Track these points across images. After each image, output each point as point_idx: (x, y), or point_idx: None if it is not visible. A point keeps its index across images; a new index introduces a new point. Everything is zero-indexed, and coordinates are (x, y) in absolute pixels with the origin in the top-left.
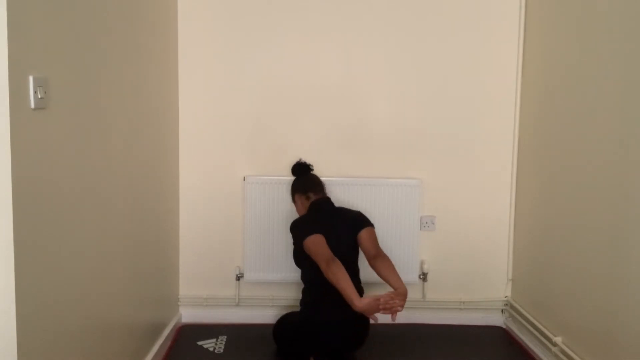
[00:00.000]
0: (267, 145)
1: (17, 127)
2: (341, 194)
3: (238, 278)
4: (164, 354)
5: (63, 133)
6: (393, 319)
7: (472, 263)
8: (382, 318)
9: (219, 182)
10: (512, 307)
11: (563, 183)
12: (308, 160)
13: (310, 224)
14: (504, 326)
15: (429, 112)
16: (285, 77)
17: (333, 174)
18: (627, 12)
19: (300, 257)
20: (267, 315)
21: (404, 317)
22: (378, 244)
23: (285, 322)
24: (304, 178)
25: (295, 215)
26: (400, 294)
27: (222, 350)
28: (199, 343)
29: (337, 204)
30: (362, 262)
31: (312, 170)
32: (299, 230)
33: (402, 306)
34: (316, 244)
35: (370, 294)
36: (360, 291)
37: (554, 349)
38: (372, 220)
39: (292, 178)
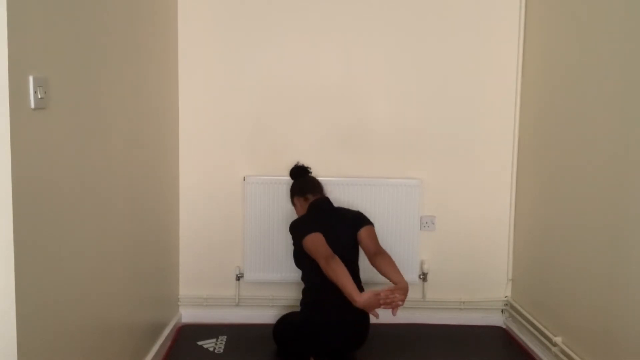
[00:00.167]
0: (267, 145)
1: (17, 127)
2: (341, 194)
3: (238, 278)
4: (164, 354)
5: (63, 133)
6: (394, 313)
7: (472, 263)
8: (383, 317)
9: (219, 182)
10: (512, 307)
11: (563, 183)
12: (308, 160)
13: (309, 223)
14: (504, 326)
15: (429, 112)
16: (285, 77)
17: (333, 174)
18: (627, 12)
19: (300, 257)
20: (267, 315)
21: (404, 317)
22: (378, 242)
23: (285, 322)
24: (302, 180)
25: (295, 216)
26: (400, 289)
27: (222, 350)
28: (199, 343)
29: (337, 204)
30: (362, 263)
31: (310, 172)
32: (298, 229)
33: (403, 300)
34: (315, 242)
35: None
36: (361, 291)
37: (554, 349)
38: (372, 220)
39: None
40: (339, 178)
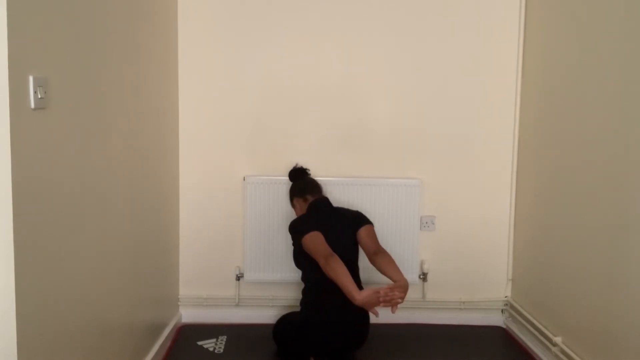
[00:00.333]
0: (267, 145)
1: (17, 127)
2: (341, 194)
3: (238, 278)
4: (164, 354)
5: (63, 133)
6: (393, 311)
7: (472, 263)
8: (383, 317)
9: (219, 182)
10: (512, 307)
11: (563, 183)
12: (308, 160)
13: (309, 223)
14: (504, 326)
15: (429, 112)
16: (285, 77)
17: (333, 174)
18: (627, 12)
19: (300, 257)
20: (267, 315)
21: (404, 317)
22: (377, 241)
23: (285, 322)
24: (301, 181)
25: (294, 217)
26: (400, 287)
27: (222, 350)
28: (199, 343)
29: (337, 204)
30: (362, 262)
31: (309, 173)
32: (297, 229)
33: (403, 298)
34: (315, 241)
35: None
36: (360, 290)
37: (554, 349)
38: (372, 220)
39: None
40: (338, 178)
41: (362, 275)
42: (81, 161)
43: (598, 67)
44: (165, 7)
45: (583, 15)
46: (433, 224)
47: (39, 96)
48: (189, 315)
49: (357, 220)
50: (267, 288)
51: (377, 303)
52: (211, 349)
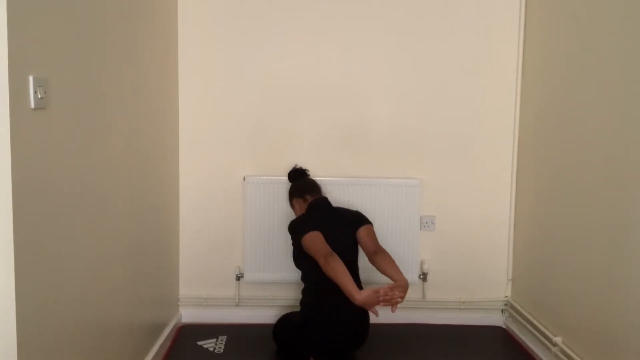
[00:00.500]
0: (267, 145)
1: (17, 127)
2: (341, 194)
3: (238, 278)
4: (164, 354)
5: (63, 133)
6: (393, 310)
7: (472, 263)
8: (383, 317)
9: (219, 182)
10: (512, 307)
11: (563, 183)
12: (308, 160)
13: (308, 222)
14: (504, 326)
15: (429, 112)
16: (285, 77)
17: (333, 174)
18: (627, 12)
19: (300, 257)
20: (267, 315)
21: (404, 317)
22: (377, 241)
23: (285, 322)
24: (300, 182)
25: (294, 217)
26: (399, 286)
27: (222, 350)
28: (199, 343)
29: (337, 204)
30: (362, 262)
31: (309, 174)
32: (297, 229)
33: (403, 298)
34: (314, 240)
35: None
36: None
37: (554, 349)
38: (372, 221)
39: None
40: (338, 178)
41: (362, 275)
42: (81, 161)
43: (598, 67)
44: (165, 7)
45: (583, 15)
46: (433, 224)
47: (39, 96)
48: (189, 315)
49: (356, 220)
50: (267, 288)
51: (377, 303)
52: (211, 349)
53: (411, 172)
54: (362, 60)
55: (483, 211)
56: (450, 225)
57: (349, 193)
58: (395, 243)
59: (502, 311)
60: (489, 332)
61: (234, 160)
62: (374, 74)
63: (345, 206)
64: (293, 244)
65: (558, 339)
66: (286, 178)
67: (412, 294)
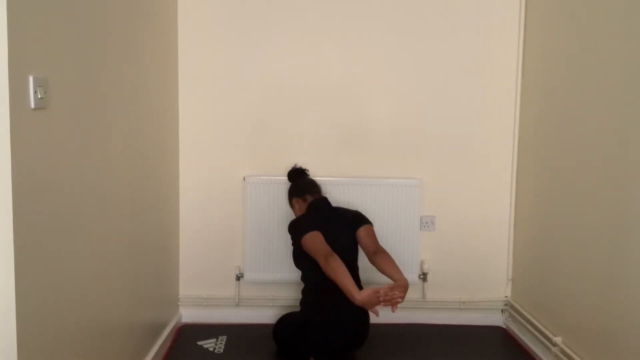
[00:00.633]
0: (267, 145)
1: (17, 127)
2: (341, 194)
3: (238, 278)
4: (164, 354)
5: (63, 133)
6: (393, 310)
7: (472, 263)
8: (383, 317)
9: (219, 182)
10: (512, 307)
11: (563, 183)
12: (308, 160)
13: (308, 222)
14: (504, 326)
15: (429, 112)
16: (285, 77)
17: (333, 174)
18: (627, 12)
19: (300, 257)
20: (267, 315)
21: (404, 317)
22: (377, 241)
23: (285, 322)
24: (300, 182)
25: (294, 217)
26: (400, 286)
27: (222, 350)
28: (199, 343)
29: (337, 204)
30: (362, 262)
31: (308, 174)
32: (296, 229)
33: (403, 298)
34: (314, 240)
35: None
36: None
37: (554, 349)
38: (372, 221)
39: None
40: (338, 178)
41: (362, 275)
42: (81, 161)
43: (598, 67)
44: (165, 7)
45: (583, 15)
46: (433, 224)
47: (39, 96)
48: (189, 315)
49: (356, 220)
50: (267, 288)
51: (377, 302)
52: (211, 349)
53: (411, 172)
54: (362, 60)
55: (483, 211)
56: (450, 225)
57: (349, 193)
58: (395, 243)
59: (502, 311)
60: (489, 332)
61: (234, 160)
62: (374, 74)
63: (345, 206)
64: (293, 244)
65: (558, 339)
66: (286, 178)
67: (412, 294)
